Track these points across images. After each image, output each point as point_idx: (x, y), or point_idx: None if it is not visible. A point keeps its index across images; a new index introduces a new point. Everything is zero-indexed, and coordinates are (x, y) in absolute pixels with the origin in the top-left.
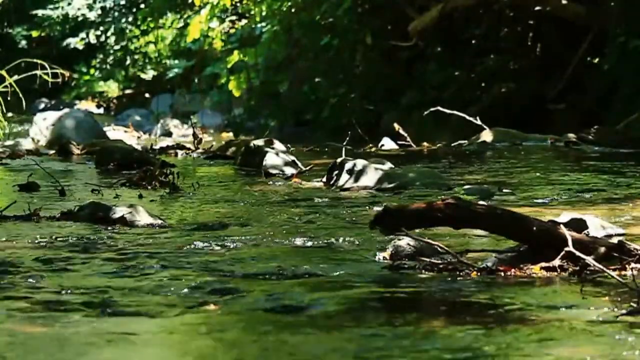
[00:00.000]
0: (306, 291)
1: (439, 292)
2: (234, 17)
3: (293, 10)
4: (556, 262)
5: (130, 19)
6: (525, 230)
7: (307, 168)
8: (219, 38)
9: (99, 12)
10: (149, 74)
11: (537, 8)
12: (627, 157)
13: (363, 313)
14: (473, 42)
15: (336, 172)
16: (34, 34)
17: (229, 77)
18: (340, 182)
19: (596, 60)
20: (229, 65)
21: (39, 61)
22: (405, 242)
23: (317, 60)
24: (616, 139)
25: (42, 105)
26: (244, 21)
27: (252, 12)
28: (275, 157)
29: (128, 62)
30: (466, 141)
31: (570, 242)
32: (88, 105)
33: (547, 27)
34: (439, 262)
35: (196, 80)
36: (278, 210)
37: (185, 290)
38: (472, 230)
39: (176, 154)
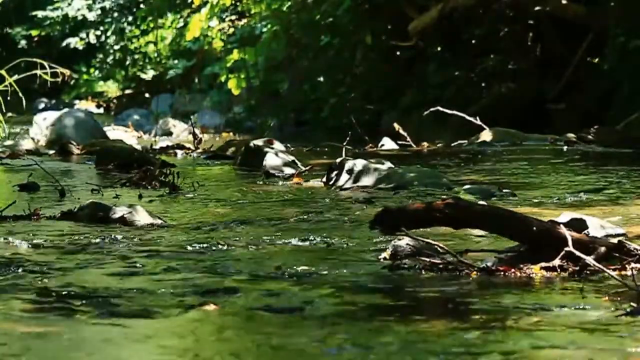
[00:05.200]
0: (306, 291)
1: (438, 292)
2: (233, 17)
3: (293, 10)
4: (556, 262)
5: (130, 18)
6: (525, 230)
7: (307, 168)
8: (218, 38)
9: (99, 12)
10: (149, 74)
11: (537, 8)
12: (627, 157)
13: (363, 313)
14: (473, 42)
15: (336, 172)
16: (34, 33)
17: (229, 76)
18: (340, 182)
19: (596, 60)
20: (228, 65)
21: (39, 61)
22: (404, 242)
23: (317, 60)
24: (616, 139)
25: (42, 105)
26: (243, 20)
27: (252, 12)
28: (275, 157)
29: (128, 62)
30: (466, 141)
31: (570, 242)
32: (88, 105)
33: (547, 27)
34: (439, 262)
35: (196, 80)
36: (278, 210)
37: (185, 290)
38: (472, 230)
39: (176, 154)
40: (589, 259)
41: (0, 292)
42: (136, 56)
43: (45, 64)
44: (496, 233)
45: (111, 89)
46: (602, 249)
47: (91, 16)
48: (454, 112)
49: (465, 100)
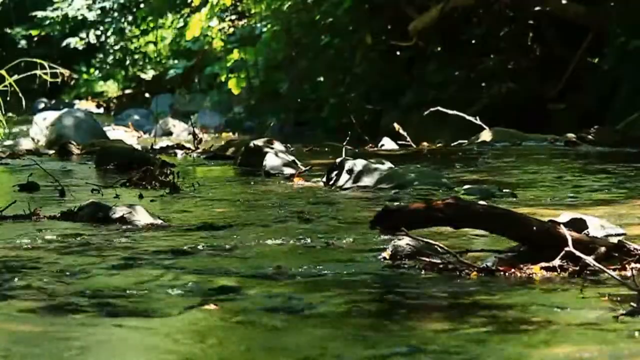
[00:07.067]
0: (306, 291)
1: (438, 292)
2: (233, 17)
3: (293, 10)
4: (556, 262)
5: (130, 18)
6: (525, 230)
7: (307, 168)
8: (218, 38)
9: (99, 12)
10: (149, 74)
11: (537, 8)
12: (627, 157)
13: (363, 313)
14: (473, 42)
15: (336, 172)
16: (34, 33)
17: (229, 76)
18: (340, 182)
19: (596, 60)
20: (228, 65)
21: (38, 61)
22: (404, 242)
23: (317, 60)
24: (616, 139)
25: (42, 105)
26: (243, 20)
27: (252, 12)
28: (275, 157)
29: (128, 62)
30: (466, 141)
31: (570, 242)
32: (88, 105)
33: (547, 27)
34: (439, 262)
35: (196, 80)
36: (278, 210)
37: (185, 290)
38: (472, 230)
39: (176, 154)
40: (589, 259)
41: (0, 292)
42: (136, 56)
43: (45, 64)
44: (496, 233)
45: (111, 89)
46: (602, 249)
47: (91, 16)
48: (454, 112)
49: (465, 100)
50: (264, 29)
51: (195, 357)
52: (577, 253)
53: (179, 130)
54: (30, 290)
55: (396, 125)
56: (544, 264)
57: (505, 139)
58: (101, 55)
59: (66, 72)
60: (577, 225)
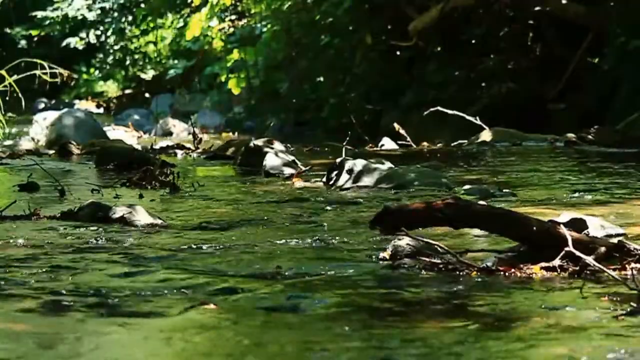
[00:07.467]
0: (306, 291)
1: (438, 292)
2: (233, 17)
3: (293, 10)
4: (556, 262)
5: (130, 18)
6: (525, 230)
7: (307, 168)
8: (218, 38)
9: (99, 12)
10: (149, 74)
11: (537, 8)
12: (627, 157)
13: (362, 313)
14: (473, 42)
15: (336, 172)
16: (34, 33)
17: (229, 76)
18: (340, 182)
19: (596, 60)
20: (228, 65)
21: (38, 61)
22: (404, 242)
23: (317, 60)
24: (616, 139)
25: (42, 105)
26: (243, 20)
27: (252, 12)
28: (275, 157)
29: (128, 62)
30: (466, 141)
31: (570, 242)
32: (88, 105)
33: (547, 27)
34: (439, 262)
35: (196, 80)
36: (278, 210)
37: (185, 290)
38: (472, 230)
39: (176, 154)
40: (589, 259)
41: (0, 291)
42: (136, 56)
43: (45, 64)
44: (496, 233)
45: (111, 89)
46: (602, 249)
47: (91, 16)
48: (454, 112)
49: (465, 100)
50: (264, 29)
51: (194, 357)
52: (577, 253)
53: (179, 130)
54: (30, 289)
55: (396, 125)
56: (544, 264)
57: (505, 139)
58: (101, 55)
59: (66, 72)
60: (577, 225)
